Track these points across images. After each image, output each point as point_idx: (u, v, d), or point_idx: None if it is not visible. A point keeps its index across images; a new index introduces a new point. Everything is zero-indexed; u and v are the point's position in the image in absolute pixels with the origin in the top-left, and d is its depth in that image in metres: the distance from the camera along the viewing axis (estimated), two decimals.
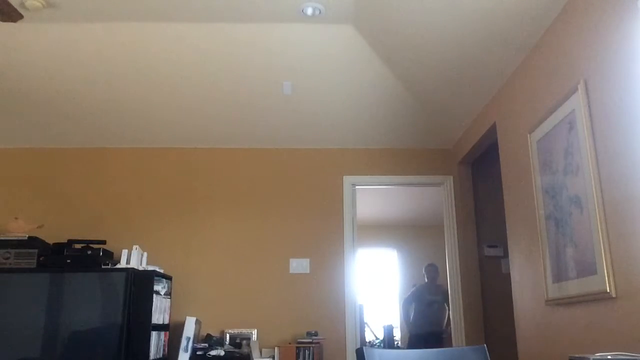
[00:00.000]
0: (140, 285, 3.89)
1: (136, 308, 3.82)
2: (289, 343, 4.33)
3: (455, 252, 4.65)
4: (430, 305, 6.21)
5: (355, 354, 4.02)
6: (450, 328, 4.65)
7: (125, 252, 4.09)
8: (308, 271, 4.59)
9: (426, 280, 6.36)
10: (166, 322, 4.19)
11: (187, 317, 4.18)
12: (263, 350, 4.31)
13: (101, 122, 4.44)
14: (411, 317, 6.35)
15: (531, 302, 3.14)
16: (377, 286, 8.56)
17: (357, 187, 4.88)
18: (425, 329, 6.15)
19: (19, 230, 4.25)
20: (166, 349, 4.15)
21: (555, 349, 2.80)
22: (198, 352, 4.08)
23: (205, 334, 4.34)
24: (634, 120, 2.11)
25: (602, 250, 2.30)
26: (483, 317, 4.48)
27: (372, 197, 7.07)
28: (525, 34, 2.96)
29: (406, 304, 6.47)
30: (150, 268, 4.09)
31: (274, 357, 4.21)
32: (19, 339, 3.73)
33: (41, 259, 4.07)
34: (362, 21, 3.30)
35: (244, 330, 4.42)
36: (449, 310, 6.26)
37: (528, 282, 3.19)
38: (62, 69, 3.75)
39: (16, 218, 4.40)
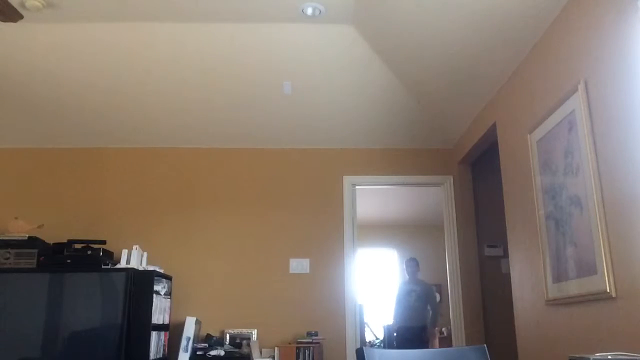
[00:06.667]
0: (140, 285, 3.88)
1: (136, 308, 3.82)
2: (289, 343, 4.33)
3: (455, 252, 4.65)
4: (408, 294, 6.07)
5: (355, 354, 4.01)
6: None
7: (125, 252, 4.09)
8: (308, 271, 4.59)
9: (407, 275, 6.29)
10: (166, 322, 4.19)
11: (187, 317, 4.18)
12: (263, 350, 4.31)
13: (101, 122, 4.44)
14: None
15: (531, 302, 3.14)
16: (377, 286, 8.56)
17: (357, 187, 4.87)
18: (406, 322, 6.02)
19: (19, 230, 4.25)
20: (166, 349, 4.15)
21: (555, 349, 2.80)
22: (198, 352, 4.08)
23: (205, 334, 4.34)
24: (634, 120, 2.11)
25: (602, 250, 2.30)
26: (483, 317, 4.48)
27: (372, 197, 7.07)
28: (525, 34, 2.96)
29: (395, 303, 6.30)
30: (150, 268, 4.09)
31: (274, 357, 4.21)
32: (19, 339, 3.73)
33: (41, 259, 4.06)
34: (362, 21, 3.30)
35: (244, 330, 4.42)
36: (434, 309, 6.16)
37: (528, 282, 3.19)
38: (61, 69, 3.76)
39: (16, 218, 4.40)
